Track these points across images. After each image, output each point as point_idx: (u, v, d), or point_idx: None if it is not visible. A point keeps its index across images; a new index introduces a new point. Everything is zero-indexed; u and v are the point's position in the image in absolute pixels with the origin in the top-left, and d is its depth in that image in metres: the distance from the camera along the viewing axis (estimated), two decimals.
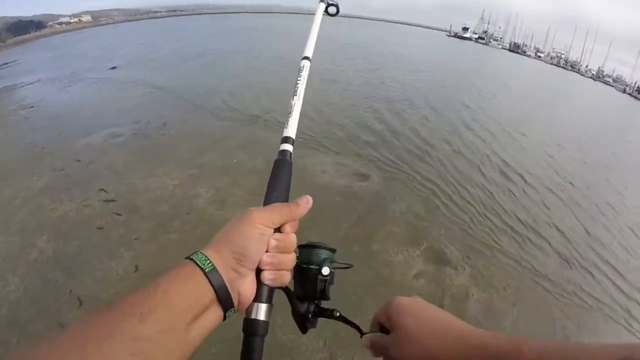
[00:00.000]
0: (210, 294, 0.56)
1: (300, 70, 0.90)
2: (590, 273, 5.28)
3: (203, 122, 8.85)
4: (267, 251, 0.63)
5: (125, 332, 0.46)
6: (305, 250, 0.73)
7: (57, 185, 5.80)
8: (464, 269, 4.75)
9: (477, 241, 5.39)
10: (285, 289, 0.69)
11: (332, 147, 7.83)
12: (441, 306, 0.73)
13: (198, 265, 0.56)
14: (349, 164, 7.15)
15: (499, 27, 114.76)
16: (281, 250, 0.64)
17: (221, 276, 0.57)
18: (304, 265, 0.71)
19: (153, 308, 0.49)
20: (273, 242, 0.64)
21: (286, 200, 0.72)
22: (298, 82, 0.86)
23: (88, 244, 4.49)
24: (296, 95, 0.83)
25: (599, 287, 5.03)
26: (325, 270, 0.70)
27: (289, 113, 0.81)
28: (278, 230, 0.66)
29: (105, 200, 5.36)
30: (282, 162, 0.75)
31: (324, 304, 0.74)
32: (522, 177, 7.80)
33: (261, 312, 0.62)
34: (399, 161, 7.64)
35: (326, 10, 1.11)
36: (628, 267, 5.61)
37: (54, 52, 23.69)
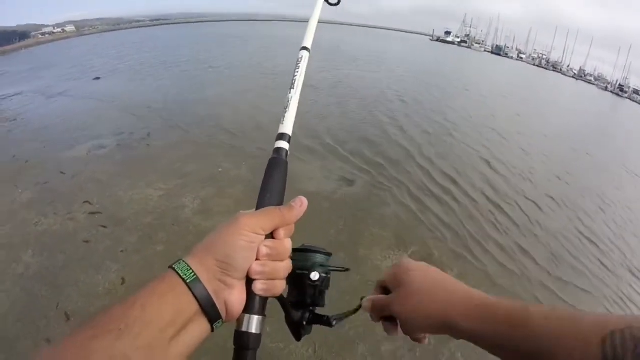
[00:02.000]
0: (193, 306, 0.53)
1: (298, 61, 0.83)
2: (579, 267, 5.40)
3: (186, 132, 8.84)
4: (257, 259, 0.59)
5: (103, 350, 0.44)
6: (298, 254, 0.69)
7: (42, 198, 5.77)
8: (452, 271, 4.82)
9: (463, 244, 5.49)
10: (280, 297, 0.65)
11: (318, 153, 7.92)
12: None
13: (180, 276, 0.53)
14: (335, 170, 7.23)
15: (481, 31, 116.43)
16: (274, 257, 0.60)
17: (205, 287, 0.54)
18: (298, 271, 0.68)
19: (131, 324, 0.47)
20: (264, 250, 0.60)
21: (281, 203, 0.67)
22: (296, 74, 0.80)
23: (74, 258, 4.48)
24: (293, 88, 0.77)
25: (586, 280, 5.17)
26: (315, 276, 0.68)
27: (285, 108, 0.75)
28: (271, 235, 0.62)
29: (90, 213, 5.35)
30: (276, 162, 0.70)
31: (319, 311, 0.71)
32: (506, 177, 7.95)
33: (252, 324, 0.59)
34: (385, 165, 7.74)
35: (327, 0, 1.03)
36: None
37: (38, 63, 23.49)
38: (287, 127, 0.73)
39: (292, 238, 0.65)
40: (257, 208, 0.64)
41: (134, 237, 4.85)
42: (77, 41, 48.01)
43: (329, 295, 0.72)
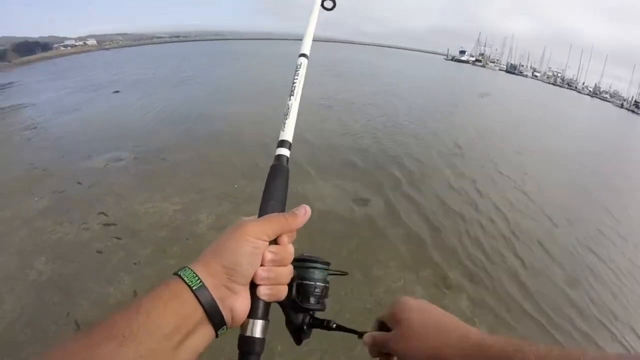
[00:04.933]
0: (199, 312, 0.53)
1: (297, 68, 0.82)
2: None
3: (203, 147, 8.90)
4: (262, 265, 0.60)
5: (106, 356, 0.44)
6: (298, 264, 0.70)
7: (58, 207, 5.82)
8: (466, 294, 4.73)
9: (478, 265, 5.38)
10: (280, 302, 0.66)
11: (330, 172, 7.88)
12: None
13: (185, 282, 0.53)
14: (349, 189, 7.18)
15: (495, 49, 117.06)
16: (277, 263, 0.61)
17: (210, 294, 0.54)
18: (298, 281, 0.69)
19: (135, 331, 0.47)
20: (269, 256, 0.60)
21: (282, 209, 0.67)
22: (295, 81, 0.80)
23: (87, 267, 4.48)
24: (293, 95, 0.77)
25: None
26: (316, 289, 0.69)
27: (285, 114, 0.74)
28: (274, 241, 0.62)
29: (105, 224, 5.37)
30: (277, 169, 0.70)
31: (319, 315, 0.72)
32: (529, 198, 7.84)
33: (257, 329, 0.59)
34: (398, 185, 7.70)
35: (322, 4, 1.00)
36: None
37: (58, 74, 23.99)
38: (288, 134, 0.73)
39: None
40: (260, 215, 0.65)
41: (148, 250, 4.85)
42: (98, 54, 49.06)
43: (337, 317, 0.75)
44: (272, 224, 0.62)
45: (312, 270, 0.71)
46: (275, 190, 0.68)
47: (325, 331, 0.74)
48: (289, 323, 0.70)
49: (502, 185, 8.62)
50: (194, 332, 0.53)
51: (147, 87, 17.75)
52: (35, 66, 36.71)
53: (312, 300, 0.69)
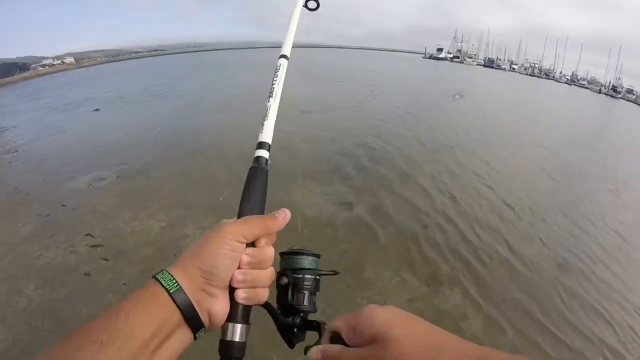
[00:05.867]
0: (176, 315, 0.53)
1: (277, 69, 0.82)
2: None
3: (186, 161, 8.89)
4: (239, 267, 0.59)
5: None
6: (287, 257, 0.69)
7: (43, 231, 5.81)
8: (458, 289, 4.80)
9: (468, 259, 5.47)
10: (265, 304, 0.65)
11: (314, 177, 7.89)
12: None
13: (163, 286, 0.53)
14: (336, 193, 7.23)
15: (472, 45, 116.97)
16: (255, 266, 0.60)
17: (188, 297, 0.54)
18: (288, 274, 0.67)
19: (114, 336, 0.46)
20: (245, 258, 0.60)
21: (261, 211, 0.67)
22: (274, 82, 0.79)
23: (76, 291, 4.48)
24: (272, 96, 0.77)
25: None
26: (306, 281, 0.67)
27: (264, 117, 0.74)
28: (252, 244, 0.62)
29: (91, 246, 5.37)
30: (256, 170, 0.70)
31: (311, 317, 0.69)
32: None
33: (236, 333, 0.58)
34: (381, 186, 7.75)
35: (305, 5, 0.98)
36: None
37: (38, 95, 23.77)
38: (267, 135, 0.73)
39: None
40: (239, 217, 0.64)
41: (136, 269, 4.85)
42: (76, 73, 48.65)
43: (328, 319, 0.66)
44: (250, 225, 0.61)
45: (299, 259, 0.69)
46: (254, 192, 0.68)
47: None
48: (278, 326, 0.68)
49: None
50: (173, 335, 0.53)
51: (126, 103, 17.69)
52: (13, 87, 36.32)
53: (303, 298, 0.67)
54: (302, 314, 0.67)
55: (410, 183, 8.02)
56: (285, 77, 0.82)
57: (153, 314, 0.51)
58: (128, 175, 7.99)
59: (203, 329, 0.57)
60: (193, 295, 0.55)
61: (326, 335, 0.60)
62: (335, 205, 6.73)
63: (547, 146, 13.01)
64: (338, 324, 0.58)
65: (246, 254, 0.60)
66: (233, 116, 13.73)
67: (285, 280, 0.67)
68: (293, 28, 0.93)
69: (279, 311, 0.67)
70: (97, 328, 0.47)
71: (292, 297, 0.66)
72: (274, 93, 0.78)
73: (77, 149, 10.22)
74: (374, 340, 0.52)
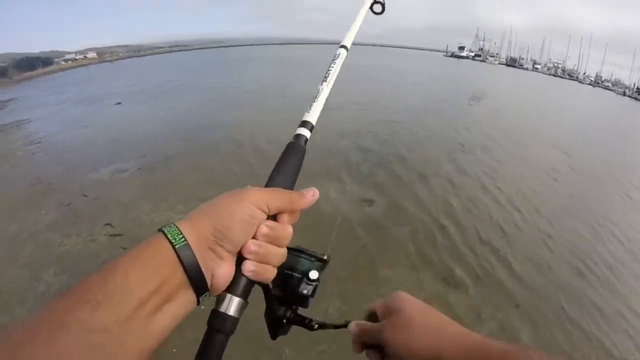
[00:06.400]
0: (179, 273, 0.48)
1: (335, 57, 0.83)
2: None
3: (206, 155, 8.95)
4: (254, 237, 0.55)
5: (79, 323, 0.40)
6: (291, 255, 0.65)
7: (64, 219, 5.89)
8: (474, 291, 4.73)
9: (485, 261, 5.38)
10: (265, 286, 0.61)
11: (333, 173, 7.85)
12: None
13: (168, 240, 0.48)
14: (354, 190, 7.18)
15: (495, 43, 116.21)
16: (271, 240, 0.56)
17: (194, 254, 0.49)
18: (287, 272, 0.64)
19: (110, 293, 0.42)
20: (264, 229, 0.55)
21: (291, 187, 0.63)
22: (331, 68, 0.80)
23: None
24: (326, 81, 0.77)
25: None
26: (305, 288, 0.64)
27: (314, 98, 0.74)
28: (274, 217, 0.58)
29: (111, 235, 5.43)
30: (294, 147, 0.68)
31: (302, 312, 0.67)
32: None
33: (232, 306, 0.53)
34: (403, 184, 7.69)
35: (371, 8, 1.00)
36: None
37: (60, 88, 24.16)
38: (313, 116, 0.72)
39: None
40: (266, 187, 0.62)
41: None
42: (99, 67, 49.32)
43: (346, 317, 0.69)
44: (276, 196, 0.57)
45: (303, 261, 0.67)
46: (286, 166, 0.65)
47: (307, 330, 0.68)
48: (269, 313, 0.65)
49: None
50: (175, 296, 0.48)
51: (148, 97, 17.91)
52: (36, 81, 37.02)
53: (296, 297, 0.64)
54: (294, 307, 0.66)
55: (428, 183, 7.93)
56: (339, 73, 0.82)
57: (153, 270, 0.46)
58: (149, 168, 8.08)
59: (207, 292, 0.52)
60: (200, 252, 0.50)
61: (366, 314, 0.72)
62: (353, 202, 6.69)
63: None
64: (376, 305, 0.70)
65: (266, 225, 0.55)
66: (252, 112, 13.74)
67: (284, 277, 0.64)
68: (357, 26, 0.95)
69: (275, 299, 0.65)
70: (93, 286, 0.43)
71: (288, 292, 0.64)
72: (328, 78, 0.78)
73: (99, 142, 10.36)
74: (392, 313, 0.65)
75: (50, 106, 16.85)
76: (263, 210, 0.55)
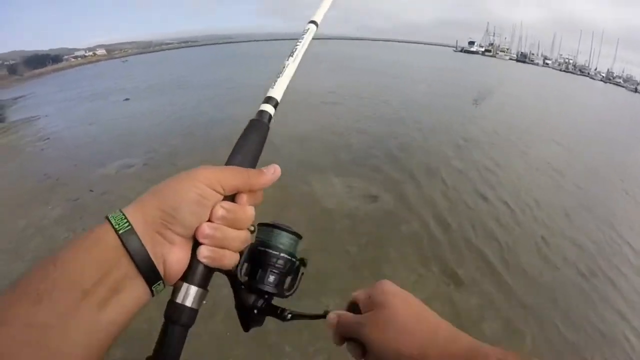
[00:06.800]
0: (125, 261, 0.44)
1: (303, 32, 0.79)
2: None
3: (211, 151, 8.88)
4: (209, 220, 0.50)
5: (19, 318, 0.38)
6: (265, 230, 0.61)
7: (71, 214, 5.93)
8: (478, 290, 4.68)
9: (490, 261, 5.31)
10: (230, 274, 0.57)
11: (338, 169, 7.77)
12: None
13: (112, 225, 0.45)
14: (357, 186, 7.10)
15: (505, 39, 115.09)
16: (229, 223, 0.51)
17: (140, 239, 0.45)
18: (261, 248, 0.59)
19: (51, 286, 0.40)
20: (220, 211, 0.50)
21: (252, 166, 0.59)
22: (298, 43, 0.76)
23: None
24: (292, 56, 0.73)
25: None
26: (279, 260, 0.59)
27: (279, 73, 0.70)
28: (232, 199, 0.54)
29: None
30: (256, 124, 0.64)
31: (277, 302, 0.61)
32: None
33: (189, 296, 0.50)
34: (407, 180, 7.62)
35: None
36: None
37: (70, 85, 24.33)
38: (277, 92, 0.68)
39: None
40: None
41: None
42: (108, 64, 49.55)
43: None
44: (230, 175, 0.53)
45: (277, 234, 0.61)
46: (248, 144, 0.61)
47: (280, 321, 0.62)
48: (238, 303, 0.60)
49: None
50: (124, 287, 0.44)
51: (156, 93, 17.94)
52: (46, 78, 37.28)
53: (271, 279, 0.59)
54: (266, 296, 0.60)
55: (434, 180, 7.86)
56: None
57: (96, 258, 0.43)
58: (155, 164, 8.10)
59: (160, 281, 0.48)
60: (147, 238, 0.46)
61: (347, 304, 0.66)
62: (357, 198, 6.64)
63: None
64: (358, 294, 0.64)
65: (221, 207, 0.51)
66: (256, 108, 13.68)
67: (256, 255, 0.58)
68: (328, 2, 0.88)
69: (243, 287, 0.59)
70: (34, 278, 0.40)
71: (260, 276, 0.59)
72: (295, 54, 0.73)
73: (107, 137, 10.42)
74: (375, 306, 0.59)
75: (59, 103, 17.00)
76: (217, 191, 0.51)
